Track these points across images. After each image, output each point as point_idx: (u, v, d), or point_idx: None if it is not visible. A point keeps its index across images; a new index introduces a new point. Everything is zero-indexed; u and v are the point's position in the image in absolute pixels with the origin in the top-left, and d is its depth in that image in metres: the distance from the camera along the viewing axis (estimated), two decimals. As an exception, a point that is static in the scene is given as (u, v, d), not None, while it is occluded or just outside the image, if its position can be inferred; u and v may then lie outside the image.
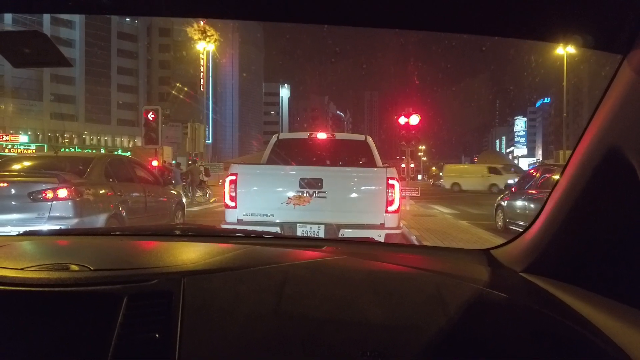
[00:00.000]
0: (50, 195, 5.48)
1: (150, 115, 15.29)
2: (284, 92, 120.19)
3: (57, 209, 5.48)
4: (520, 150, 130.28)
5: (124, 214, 6.50)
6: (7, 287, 0.93)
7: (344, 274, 1.16)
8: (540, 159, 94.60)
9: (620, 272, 0.98)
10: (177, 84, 64.37)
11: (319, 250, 1.44)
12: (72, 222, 5.49)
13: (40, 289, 0.94)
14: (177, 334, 0.88)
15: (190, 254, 1.23)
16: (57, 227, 5.33)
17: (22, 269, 1.01)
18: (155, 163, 16.09)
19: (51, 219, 5.42)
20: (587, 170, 0.97)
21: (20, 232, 1.68)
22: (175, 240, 1.58)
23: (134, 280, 0.98)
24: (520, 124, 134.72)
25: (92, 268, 1.03)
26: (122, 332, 0.87)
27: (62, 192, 5.53)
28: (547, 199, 1.15)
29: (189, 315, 0.91)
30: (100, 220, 5.97)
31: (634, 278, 0.94)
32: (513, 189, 10.42)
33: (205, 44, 25.71)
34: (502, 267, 1.31)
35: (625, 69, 0.87)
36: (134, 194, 7.12)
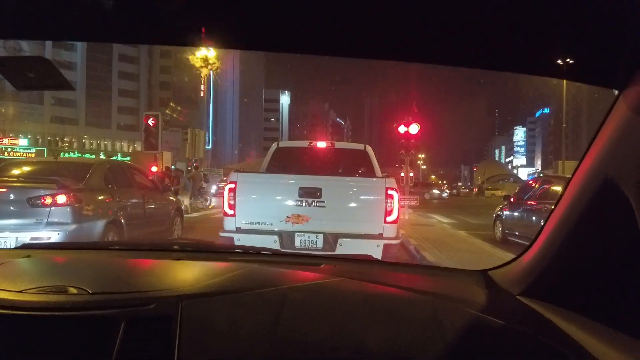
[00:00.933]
0: (48, 201, 5.47)
1: (151, 121, 15.29)
2: (284, 99, 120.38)
3: (56, 215, 5.47)
4: (519, 160, 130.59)
5: (122, 221, 6.49)
6: (6, 311, 0.94)
7: (341, 298, 1.17)
8: (540, 169, 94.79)
9: (617, 299, 0.99)
10: (177, 90, 64.33)
11: (317, 270, 1.46)
12: (70, 228, 5.49)
13: (40, 313, 0.95)
14: (174, 358, 0.88)
15: (188, 275, 1.26)
16: (56, 233, 5.35)
17: (21, 292, 1.02)
18: (154, 169, 16.10)
19: (49, 224, 5.41)
20: (585, 197, 0.99)
21: (19, 246, 1.69)
22: (174, 257, 1.60)
23: (131, 305, 0.99)
24: (519, 134, 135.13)
25: (90, 291, 1.04)
26: (119, 357, 0.88)
27: (61, 198, 5.52)
28: (545, 222, 1.16)
29: (186, 339, 0.92)
30: (98, 227, 5.96)
31: (631, 306, 0.94)
32: (512, 199, 10.42)
33: (207, 71, 25.78)
34: (499, 289, 1.32)
35: (621, 104, 0.89)
36: (133, 200, 7.12)
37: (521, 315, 1.14)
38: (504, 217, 10.38)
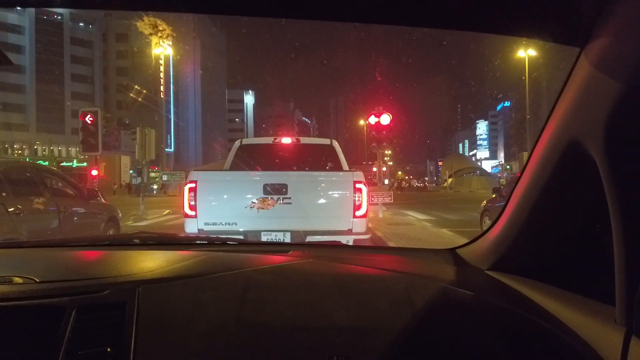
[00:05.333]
0: None
1: (89, 118, 13.10)
2: (249, 99, 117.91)
3: None
4: (482, 153, 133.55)
5: (23, 236, 4.98)
6: None
7: (309, 278, 1.14)
8: (503, 161, 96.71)
9: (582, 265, 0.99)
10: (136, 91, 61.44)
11: (285, 255, 1.38)
12: None
13: None
14: (130, 347, 0.85)
15: (148, 262, 1.21)
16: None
17: None
18: (94, 172, 14.30)
19: None
20: (548, 167, 0.97)
21: None
22: (134, 250, 1.49)
23: (83, 292, 0.96)
24: (482, 128, 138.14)
25: (37, 280, 1.00)
26: (69, 347, 0.85)
27: None
28: (509, 197, 1.14)
29: (144, 326, 0.89)
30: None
31: (596, 272, 0.92)
32: (504, 193, 9.55)
33: (158, 39, 23.49)
34: (468, 265, 1.31)
35: (583, 61, 0.87)
36: (42, 210, 5.58)
37: (490, 288, 1.15)
38: (492, 211, 9.58)
